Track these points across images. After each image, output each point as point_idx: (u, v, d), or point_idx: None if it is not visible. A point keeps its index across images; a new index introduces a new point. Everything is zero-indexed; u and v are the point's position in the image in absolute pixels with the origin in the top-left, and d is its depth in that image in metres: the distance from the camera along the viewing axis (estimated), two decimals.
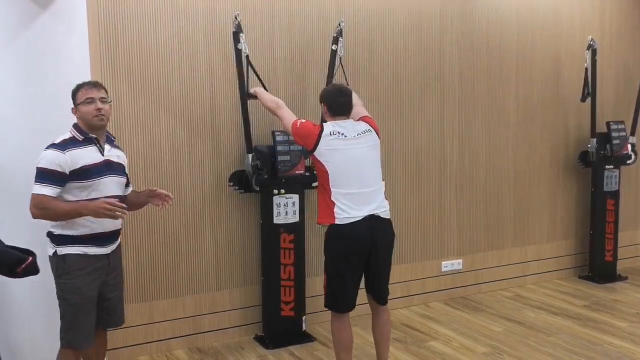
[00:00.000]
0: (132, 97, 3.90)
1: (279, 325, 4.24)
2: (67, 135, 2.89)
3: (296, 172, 4.15)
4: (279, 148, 4.10)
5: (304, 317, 4.32)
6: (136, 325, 4.00)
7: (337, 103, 3.40)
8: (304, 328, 4.32)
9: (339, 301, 3.36)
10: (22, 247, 2.54)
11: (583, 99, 5.48)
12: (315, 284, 4.57)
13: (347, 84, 4.08)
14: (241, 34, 3.89)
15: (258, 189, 4.12)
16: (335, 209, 3.26)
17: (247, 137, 4.05)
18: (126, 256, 3.92)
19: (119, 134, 3.85)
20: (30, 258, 2.35)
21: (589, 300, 5.16)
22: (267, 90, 3.90)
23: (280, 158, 4.09)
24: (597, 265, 5.71)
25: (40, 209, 2.76)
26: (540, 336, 4.32)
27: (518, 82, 5.45)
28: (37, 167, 2.80)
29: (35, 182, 2.78)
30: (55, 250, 2.86)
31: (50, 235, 2.89)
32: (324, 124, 3.40)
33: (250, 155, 4.07)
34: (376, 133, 3.44)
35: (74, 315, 2.87)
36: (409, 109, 4.92)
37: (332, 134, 3.30)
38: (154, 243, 4.03)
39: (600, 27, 5.85)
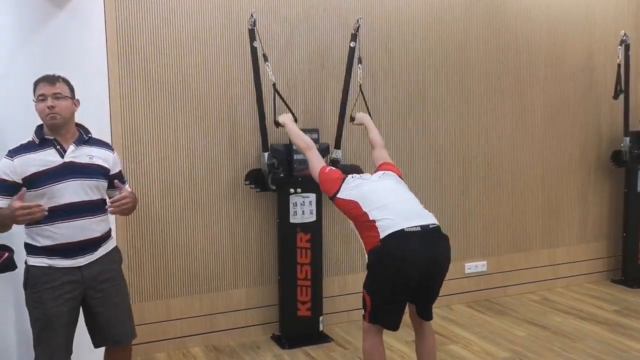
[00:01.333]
0: (149, 96, 3.92)
1: (296, 325, 4.21)
2: (25, 141, 2.67)
3: None
4: (295, 147, 4.06)
5: (321, 318, 4.27)
6: (153, 322, 4.02)
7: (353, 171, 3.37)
8: (320, 328, 4.27)
9: (385, 320, 3.02)
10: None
11: (616, 96, 5.28)
12: (333, 284, 4.53)
13: (368, 112, 4.04)
14: (256, 32, 3.87)
15: (274, 188, 4.09)
16: (378, 224, 2.93)
17: (263, 135, 4.03)
18: (143, 254, 3.96)
19: (136, 133, 3.88)
20: (7, 254, 2.34)
21: (619, 305, 4.96)
22: (295, 118, 3.80)
23: (296, 157, 4.06)
24: (630, 268, 5.50)
25: None
26: (566, 342, 4.17)
27: (547, 79, 5.28)
28: None
29: None
30: (26, 260, 2.68)
31: (24, 243, 2.71)
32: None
33: (266, 154, 4.05)
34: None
35: (40, 331, 2.64)
36: (432, 107, 4.82)
37: (354, 177, 3.21)
38: (170, 241, 4.04)
39: (634, 21, 5.62)
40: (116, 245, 2.88)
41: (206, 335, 4.18)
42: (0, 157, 2.69)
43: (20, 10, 3.30)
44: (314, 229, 4.19)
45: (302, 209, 4.14)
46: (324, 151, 4.18)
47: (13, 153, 2.61)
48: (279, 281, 4.25)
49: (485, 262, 5.13)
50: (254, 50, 3.90)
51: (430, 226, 2.94)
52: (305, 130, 4.09)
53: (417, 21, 4.70)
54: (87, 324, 2.77)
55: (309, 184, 4.11)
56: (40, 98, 2.64)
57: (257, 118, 4.01)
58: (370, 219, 2.95)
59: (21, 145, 2.65)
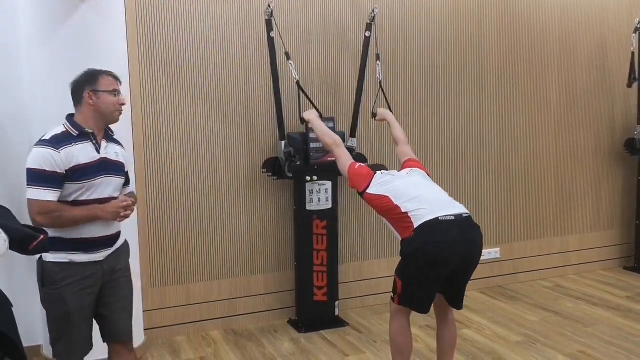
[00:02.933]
0: (169, 87, 4.01)
1: (312, 310, 4.31)
2: (59, 130, 2.55)
3: (329, 158, 4.17)
4: (312, 135, 4.13)
5: (336, 302, 4.37)
6: (173, 306, 4.14)
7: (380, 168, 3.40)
8: (336, 313, 4.37)
9: (415, 303, 3.04)
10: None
11: (629, 84, 5.30)
12: (348, 270, 4.62)
13: (388, 107, 4.08)
14: (274, 22, 3.94)
15: (291, 175, 4.18)
16: (411, 214, 2.94)
17: (279, 124, 4.11)
18: (163, 239, 4.07)
19: (156, 123, 3.98)
20: (42, 236, 2.40)
21: (632, 291, 5.01)
22: (320, 114, 3.82)
23: (312, 145, 4.14)
24: None
25: (45, 215, 2.46)
26: (577, 326, 4.24)
27: (561, 67, 5.31)
28: (28, 169, 2.49)
29: (30, 185, 2.47)
30: (40, 256, 2.56)
31: None
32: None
33: (283, 142, 4.13)
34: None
35: (61, 327, 2.59)
36: (447, 95, 4.88)
37: (382, 173, 3.26)
38: (189, 227, 4.15)
39: None
40: (125, 239, 2.84)
41: (225, 319, 4.30)
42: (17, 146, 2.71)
43: (41, 4, 3.38)
44: (330, 215, 4.28)
45: (318, 196, 4.23)
46: None
47: (56, 144, 2.49)
48: (296, 267, 4.35)
49: (499, 248, 5.20)
50: (271, 40, 3.98)
51: (464, 215, 2.96)
52: (321, 119, 4.18)
53: (431, 12, 4.75)
54: (95, 317, 2.70)
55: (324, 172, 4.20)
56: (114, 92, 2.60)
57: (274, 107, 4.10)
58: (402, 211, 2.97)
59: (57, 135, 2.53)
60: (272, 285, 4.42)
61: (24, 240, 2.35)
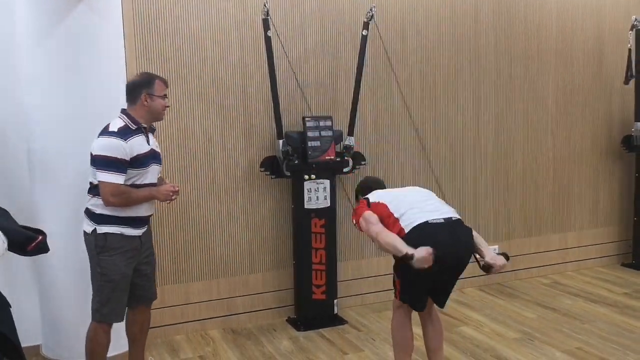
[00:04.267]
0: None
1: (311, 308, 4.32)
2: (120, 123, 2.96)
3: (327, 157, 4.20)
4: (310, 134, 4.16)
5: (335, 301, 4.38)
6: (172, 305, 4.15)
7: (372, 184, 3.43)
8: (335, 311, 4.38)
9: (412, 301, 3.11)
10: (34, 227, 2.61)
11: (626, 82, 5.31)
12: (347, 268, 4.63)
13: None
14: (270, 21, 3.94)
15: (289, 174, 4.19)
16: (402, 219, 2.96)
17: (277, 123, 4.12)
18: (163, 239, 4.08)
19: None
20: (40, 237, 2.45)
21: (630, 288, 5.03)
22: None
23: (310, 144, 4.15)
24: None
25: (118, 196, 2.89)
26: (575, 323, 4.26)
27: (557, 65, 5.32)
28: (100, 155, 2.88)
29: (102, 170, 2.87)
30: (95, 228, 2.97)
31: (89, 213, 3.01)
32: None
33: (281, 141, 4.14)
34: None
35: (111, 291, 3.00)
36: (444, 93, 4.89)
37: (377, 191, 3.26)
38: (188, 227, 4.16)
39: None
40: None
41: (224, 318, 4.31)
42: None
43: (39, 3, 3.38)
44: (328, 214, 4.29)
45: (317, 194, 4.24)
46: (337, 138, 4.28)
47: (122, 135, 2.90)
48: (294, 265, 4.36)
49: (497, 246, 5.19)
50: (268, 40, 3.99)
51: (453, 218, 3.00)
52: (318, 117, 4.20)
53: (428, 12, 4.75)
54: (132, 285, 3.11)
55: (323, 170, 4.21)
56: (165, 97, 3.08)
57: (272, 106, 4.11)
58: (396, 216, 2.99)
59: (122, 128, 2.93)
60: (271, 284, 4.43)
61: (23, 242, 2.38)
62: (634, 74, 5.26)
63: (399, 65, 4.66)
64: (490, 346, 3.90)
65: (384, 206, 3.06)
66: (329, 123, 4.21)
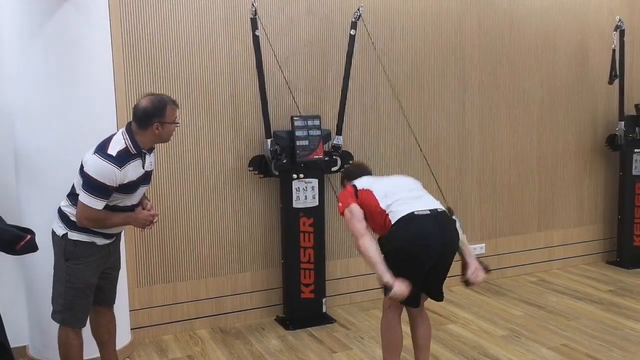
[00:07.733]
0: (154, 85, 3.99)
1: (300, 307, 4.33)
2: (121, 145, 2.82)
3: (315, 156, 4.20)
4: (298, 133, 4.16)
5: (323, 300, 4.39)
6: (160, 305, 4.14)
7: (359, 170, 3.46)
8: (323, 310, 4.39)
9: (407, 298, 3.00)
10: (23, 226, 2.62)
11: (611, 82, 5.37)
12: (336, 267, 4.64)
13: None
14: (259, 21, 3.94)
15: (277, 173, 4.20)
16: (389, 211, 2.99)
17: (266, 122, 4.12)
18: (150, 239, 4.06)
19: None
20: (29, 236, 2.44)
21: (614, 285, 5.09)
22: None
23: (299, 143, 4.15)
24: (625, 250, 5.62)
25: (93, 221, 2.83)
26: (561, 320, 4.30)
27: (541, 65, 5.37)
28: (89, 176, 2.76)
29: (86, 191, 2.77)
30: (67, 233, 2.91)
31: (64, 216, 2.93)
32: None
33: (269, 141, 4.14)
34: None
35: (74, 298, 2.95)
36: (430, 94, 4.91)
37: (363, 179, 3.28)
38: (176, 226, 4.15)
39: (628, 7, 5.70)
40: None
41: (212, 317, 4.30)
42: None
43: (23, 2, 3.34)
44: (317, 213, 4.29)
45: (305, 194, 4.25)
46: (325, 138, 4.28)
47: (119, 162, 2.78)
48: (283, 265, 4.37)
49: (484, 244, 5.25)
50: (256, 39, 3.99)
51: (439, 210, 3.04)
52: (307, 117, 4.21)
53: (414, 10, 4.77)
54: (95, 289, 3.06)
55: (311, 170, 4.22)
56: (176, 124, 2.96)
57: (260, 105, 4.10)
58: (382, 207, 3.01)
59: (121, 152, 2.80)
60: (260, 284, 4.43)
61: (11, 241, 2.36)
62: (617, 74, 5.32)
63: (387, 64, 4.68)
64: (478, 344, 3.93)
65: (372, 195, 3.08)
66: (317, 122, 4.21)
